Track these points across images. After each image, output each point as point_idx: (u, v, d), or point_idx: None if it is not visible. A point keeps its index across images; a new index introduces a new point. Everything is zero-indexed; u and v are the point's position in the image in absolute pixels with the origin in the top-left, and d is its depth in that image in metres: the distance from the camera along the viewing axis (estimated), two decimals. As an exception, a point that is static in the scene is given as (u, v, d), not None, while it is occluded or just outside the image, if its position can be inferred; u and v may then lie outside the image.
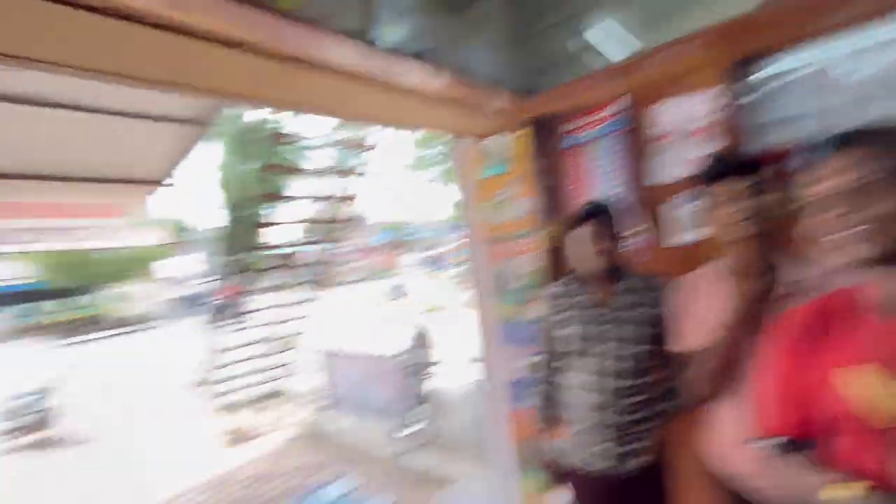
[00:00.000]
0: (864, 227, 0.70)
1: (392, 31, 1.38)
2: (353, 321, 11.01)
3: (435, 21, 1.57)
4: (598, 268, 1.50)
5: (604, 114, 2.04)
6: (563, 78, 1.95)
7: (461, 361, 4.44)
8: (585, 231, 1.49)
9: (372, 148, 5.84)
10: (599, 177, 2.05)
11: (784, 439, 0.91)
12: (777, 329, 0.92)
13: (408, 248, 32.94)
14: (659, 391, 1.51)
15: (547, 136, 2.27)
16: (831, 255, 0.74)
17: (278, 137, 4.55)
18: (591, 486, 1.52)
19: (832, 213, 0.73)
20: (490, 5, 2.00)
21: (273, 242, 5.80)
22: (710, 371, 1.30)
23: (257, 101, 1.59)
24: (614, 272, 1.54)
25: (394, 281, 15.96)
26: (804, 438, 0.88)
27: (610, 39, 2.02)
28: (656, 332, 1.46)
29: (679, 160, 1.84)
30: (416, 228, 36.02)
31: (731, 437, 1.24)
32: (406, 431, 3.81)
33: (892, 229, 0.69)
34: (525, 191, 2.21)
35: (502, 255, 2.36)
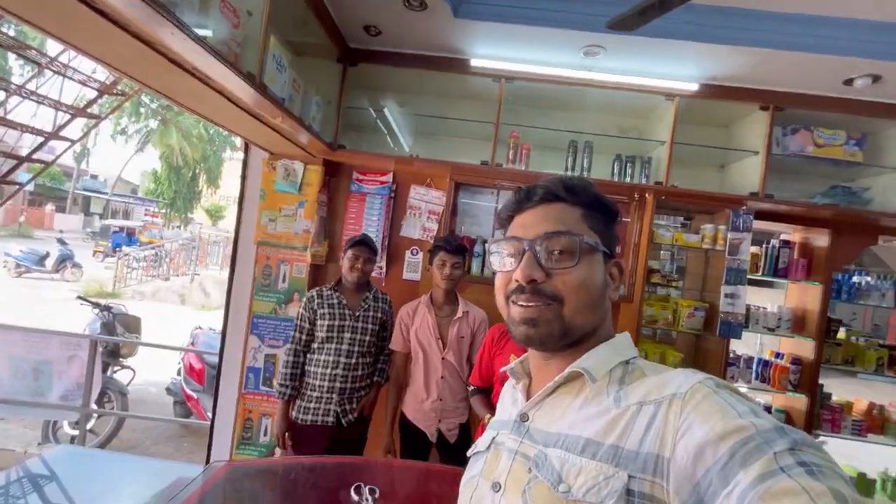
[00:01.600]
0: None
1: (279, 88, 1.66)
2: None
3: (293, 75, 1.93)
4: (355, 280, 2.17)
5: (381, 178, 2.83)
6: (358, 140, 2.63)
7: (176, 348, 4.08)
8: (355, 252, 2.15)
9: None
10: (369, 220, 2.79)
11: (474, 387, 1.87)
12: (490, 332, 1.87)
13: (73, 205, 24.60)
14: (374, 370, 2.26)
15: (333, 176, 2.87)
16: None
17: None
18: (317, 435, 2.09)
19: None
20: (326, 66, 2.49)
21: None
22: (401, 364, 2.23)
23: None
24: (365, 285, 2.24)
25: (48, 246, 11.78)
26: (484, 387, 1.85)
27: (402, 130, 2.87)
28: (382, 332, 2.25)
29: (419, 226, 2.81)
30: (90, 184, 27.46)
31: (417, 397, 2.13)
32: (76, 429, 3.23)
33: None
34: (308, 213, 2.70)
35: (274, 259, 2.72)
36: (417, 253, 2.83)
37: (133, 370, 4.18)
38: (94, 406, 3.08)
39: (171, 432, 4.04)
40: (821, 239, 2.72)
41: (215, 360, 2.89)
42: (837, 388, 2.95)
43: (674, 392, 0.52)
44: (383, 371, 2.27)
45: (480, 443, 0.72)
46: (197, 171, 24.59)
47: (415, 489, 1.75)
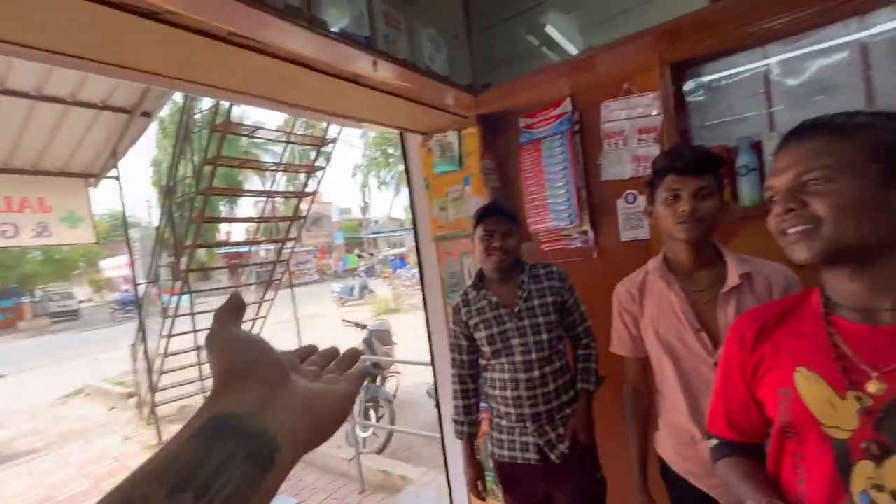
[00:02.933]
0: (807, 225, 0.65)
1: (337, 16, 1.27)
2: (310, 323, 10.66)
3: (383, 8, 1.47)
4: (495, 266, 1.54)
5: (554, 112, 2.01)
6: (508, 75, 1.90)
7: (418, 363, 4.33)
8: (486, 228, 1.54)
9: (332, 143, 5.63)
10: (552, 173, 2.02)
11: (721, 441, 0.88)
12: (735, 329, 0.84)
13: (367, 247, 32.45)
14: (573, 372, 1.59)
15: (496, 133, 2.23)
16: (792, 251, 0.68)
17: (226, 128, 4.25)
18: (522, 476, 1.53)
19: (780, 208, 0.69)
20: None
21: (223, 241, 5.45)
22: (638, 375, 1.34)
23: (192, 86, 1.43)
24: (514, 268, 1.57)
25: (353, 281, 15.61)
26: (748, 443, 0.85)
27: (558, 36, 2.00)
28: (566, 317, 1.59)
29: (629, 158, 1.85)
30: (376, 228, 35.68)
31: (679, 436, 1.23)
32: (363, 434, 3.67)
33: (839, 228, 0.62)
34: (476, 188, 2.15)
35: (455, 253, 2.29)
36: (635, 199, 1.87)
37: (397, 377, 4.59)
38: (358, 419, 3.39)
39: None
40: None
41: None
42: None
43: None
44: (589, 369, 1.58)
45: None
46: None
47: None
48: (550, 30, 2.02)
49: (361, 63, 1.40)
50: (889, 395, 0.62)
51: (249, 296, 6.38)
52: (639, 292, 1.29)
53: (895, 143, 0.62)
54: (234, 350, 0.33)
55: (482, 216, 1.58)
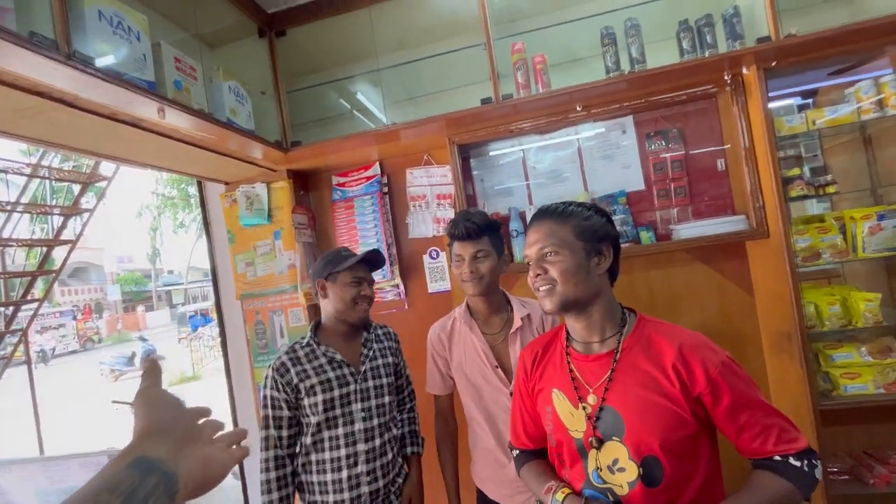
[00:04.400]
0: (549, 285, 0.90)
1: (107, 53, 1.11)
2: (63, 409, 8.00)
3: (175, 53, 1.35)
4: (362, 317, 1.39)
5: (365, 174, 2.15)
6: (317, 135, 1.97)
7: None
8: (357, 275, 1.37)
9: (102, 181, 4.59)
10: (364, 230, 2.12)
11: (521, 451, 1.08)
12: (520, 360, 1.09)
13: (153, 303, 26.89)
14: (401, 437, 1.51)
15: (307, 188, 2.24)
16: (542, 303, 0.93)
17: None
18: None
19: (533, 272, 0.93)
20: (248, 48, 1.89)
21: None
22: (448, 408, 1.50)
23: None
24: (364, 324, 1.44)
25: (134, 347, 12.54)
26: (539, 449, 1.06)
27: (366, 104, 2.18)
28: (398, 382, 1.51)
29: (431, 219, 2.09)
30: (168, 279, 29.98)
31: (490, 463, 1.38)
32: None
33: (566, 287, 0.88)
34: (288, 243, 2.08)
35: (264, 312, 2.13)
36: (438, 255, 2.11)
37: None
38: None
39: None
40: None
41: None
42: None
43: None
44: (416, 433, 1.54)
45: None
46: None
47: None
48: (360, 97, 2.19)
49: (143, 108, 1.25)
50: (599, 403, 0.89)
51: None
52: (448, 338, 1.45)
53: (589, 227, 0.92)
54: (158, 408, 0.46)
55: (355, 262, 1.37)
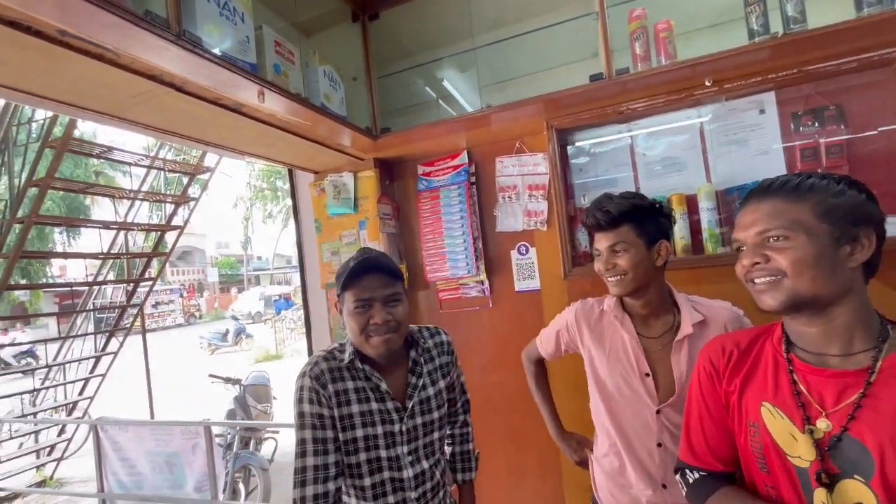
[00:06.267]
0: (772, 277, 0.71)
1: (216, 35, 1.10)
2: (167, 378, 9.05)
3: (275, 37, 1.34)
4: (382, 352, 1.04)
5: (452, 163, 2.05)
6: (405, 123, 1.89)
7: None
8: (358, 294, 1.03)
9: (208, 171, 5.03)
10: (450, 222, 2.01)
11: (705, 474, 0.85)
12: (705, 361, 0.86)
13: (246, 286, 29.54)
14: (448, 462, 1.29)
15: (393, 178, 2.18)
16: (760, 299, 0.74)
17: (64, 145, 3.51)
18: None
19: (748, 260, 0.74)
20: (342, 34, 1.86)
21: (57, 278, 4.36)
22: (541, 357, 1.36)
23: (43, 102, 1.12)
24: (405, 344, 1.11)
25: (228, 324, 13.86)
26: (729, 472, 0.84)
27: (455, 91, 2.07)
28: (450, 395, 1.23)
29: (521, 212, 1.93)
30: (259, 264, 32.80)
31: (615, 479, 1.19)
32: (222, 519, 3.05)
33: (798, 281, 0.68)
34: (372, 233, 2.04)
35: (346, 302, 2.12)
36: (527, 251, 1.94)
37: (275, 440, 4.04)
38: (221, 497, 2.84)
39: None
40: None
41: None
42: None
43: None
44: (469, 454, 1.29)
45: None
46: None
47: None
48: (447, 84, 2.08)
49: (245, 91, 1.24)
50: (834, 430, 0.69)
51: (84, 347, 5.17)
52: (588, 326, 1.23)
53: (840, 205, 0.69)
54: None
55: (352, 274, 1.03)
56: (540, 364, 1.42)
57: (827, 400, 0.70)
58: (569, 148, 1.89)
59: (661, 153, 1.75)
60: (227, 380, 3.92)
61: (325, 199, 2.12)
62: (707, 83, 1.49)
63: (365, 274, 1.03)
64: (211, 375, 3.95)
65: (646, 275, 1.09)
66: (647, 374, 1.12)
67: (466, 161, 2.02)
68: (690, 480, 0.86)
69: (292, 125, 1.56)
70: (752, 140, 1.62)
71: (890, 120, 1.45)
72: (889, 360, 0.67)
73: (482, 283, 2.00)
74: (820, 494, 0.68)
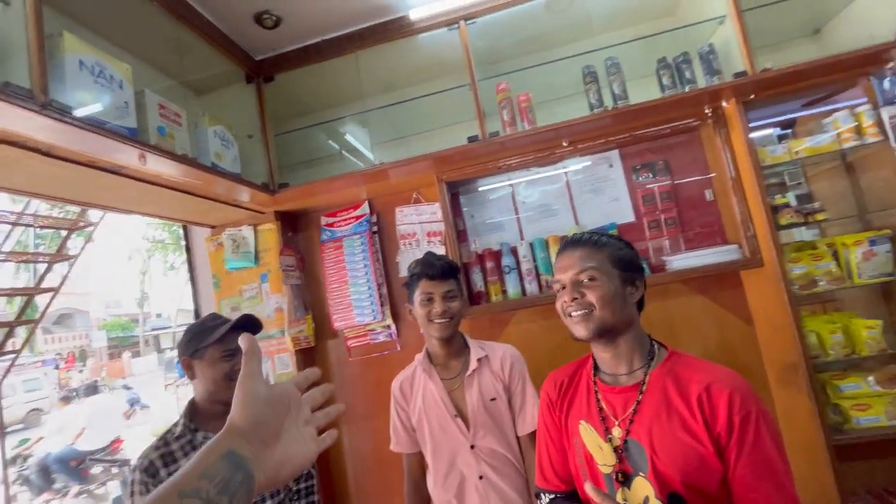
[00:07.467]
0: (585, 310, 0.87)
1: (88, 102, 1.09)
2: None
3: (158, 100, 1.35)
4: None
5: (354, 213, 2.13)
6: (305, 176, 1.96)
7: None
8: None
9: (88, 227, 4.54)
10: (354, 270, 2.07)
11: (556, 496, 0.96)
12: (544, 393, 1.02)
13: (143, 349, 26.14)
14: None
15: (296, 230, 2.20)
16: (575, 329, 0.90)
17: None
18: None
19: (567, 297, 0.90)
20: (236, 93, 1.91)
21: None
22: (418, 469, 1.39)
23: None
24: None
25: (118, 396, 12.02)
26: (573, 491, 0.95)
27: (354, 145, 2.19)
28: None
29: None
30: (156, 323, 29.26)
31: None
32: None
33: (604, 312, 0.86)
34: (275, 286, 2.02)
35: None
36: (429, 292, 2.05)
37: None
38: None
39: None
40: None
41: None
42: None
43: None
44: None
45: None
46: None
47: None
48: (349, 138, 2.20)
49: (122, 154, 1.23)
50: (625, 436, 0.85)
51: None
52: (409, 387, 1.38)
53: (623, 257, 0.92)
54: (251, 405, 0.48)
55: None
56: (417, 490, 1.38)
57: (618, 411, 0.88)
58: (461, 197, 2.08)
59: (537, 200, 2.01)
60: (112, 463, 3.41)
61: (224, 254, 2.06)
62: (564, 143, 1.78)
63: (234, 331, 1.17)
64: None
65: (461, 320, 1.35)
66: (455, 415, 1.29)
67: (368, 211, 2.12)
68: (545, 501, 0.99)
69: (183, 184, 1.54)
70: (606, 189, 1.93)
71: (700, 171, 1.84)
72: (654, 374, 0.87)
73: (388, 327, 2.06)
74: (620, 493, 0.84)
